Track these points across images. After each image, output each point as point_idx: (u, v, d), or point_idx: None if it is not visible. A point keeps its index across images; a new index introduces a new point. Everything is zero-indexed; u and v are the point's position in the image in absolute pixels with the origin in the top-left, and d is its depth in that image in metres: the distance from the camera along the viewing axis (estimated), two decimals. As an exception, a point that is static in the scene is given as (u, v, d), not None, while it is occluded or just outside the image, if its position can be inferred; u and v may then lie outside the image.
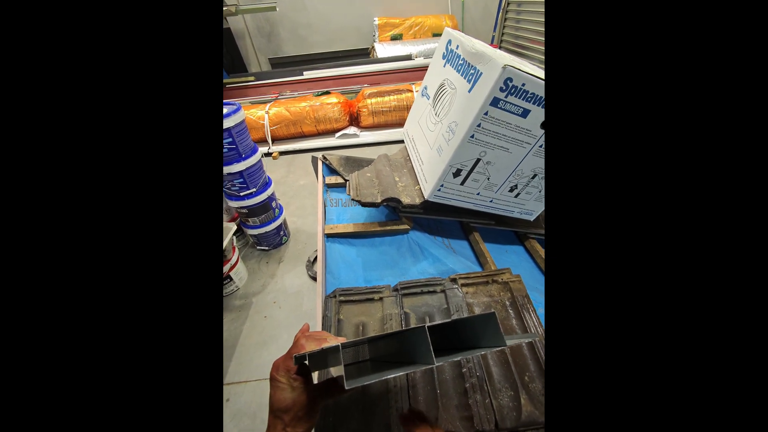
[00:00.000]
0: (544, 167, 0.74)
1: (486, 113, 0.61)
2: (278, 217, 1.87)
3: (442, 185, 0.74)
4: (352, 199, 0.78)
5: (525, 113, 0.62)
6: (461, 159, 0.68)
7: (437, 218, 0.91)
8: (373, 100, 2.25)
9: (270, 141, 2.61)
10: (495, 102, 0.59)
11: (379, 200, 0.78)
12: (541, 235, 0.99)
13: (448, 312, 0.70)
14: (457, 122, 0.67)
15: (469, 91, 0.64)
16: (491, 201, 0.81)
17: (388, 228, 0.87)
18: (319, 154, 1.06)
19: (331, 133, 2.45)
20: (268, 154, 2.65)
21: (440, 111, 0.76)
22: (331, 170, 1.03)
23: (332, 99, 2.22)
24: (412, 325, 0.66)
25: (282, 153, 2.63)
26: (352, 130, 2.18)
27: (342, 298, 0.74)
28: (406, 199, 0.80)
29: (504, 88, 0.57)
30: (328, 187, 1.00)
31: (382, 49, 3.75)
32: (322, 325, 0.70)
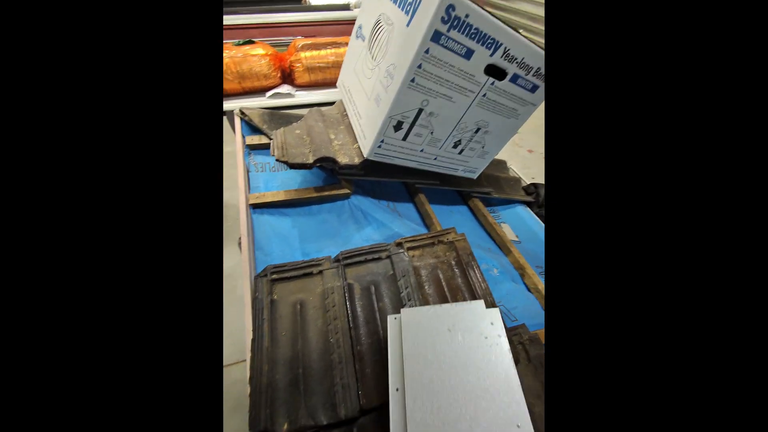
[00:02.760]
0: (487, 120, 0.70)
1: (427, 51, 0.52)
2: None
3: (382, 141, 0.66)
4: (278, 161, 0.65)
5: (468, 54, 0.55)
6: (402, 108, 0.60)
7: (380, 180, 0.84)
8: (308, 54, 1.98)
9: (184, 101, 2.14)
10: (437, 37, 0.51)
11: (311, 161, 0.66)
12: (484, 194, 1.00)
13: (394, 278, 0.65)
14: (395, 64, 0.58)
15: (408, 25, 0.54)
16: (435, 158, 0.76)
17: (326, 193, 0.77)
18: (236, 108, 0.87)
19: (260, 92, 2.10)
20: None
21: (377, 53, 0.65)
22: (253, 128, 0.87)
23: (258, 50, 1.89)
24: (356, 297, 0.58)
25: (202, 116, 2.20)
26: (285, 88, 1.92)
27: (275, 276, 0.64)
28: (343, 159, 0.70)
29: (446, 18, 0.49)
30: (251, 148, 0.84)
31: (316, -4, 3.28)
32: (253, 308, 0.60)
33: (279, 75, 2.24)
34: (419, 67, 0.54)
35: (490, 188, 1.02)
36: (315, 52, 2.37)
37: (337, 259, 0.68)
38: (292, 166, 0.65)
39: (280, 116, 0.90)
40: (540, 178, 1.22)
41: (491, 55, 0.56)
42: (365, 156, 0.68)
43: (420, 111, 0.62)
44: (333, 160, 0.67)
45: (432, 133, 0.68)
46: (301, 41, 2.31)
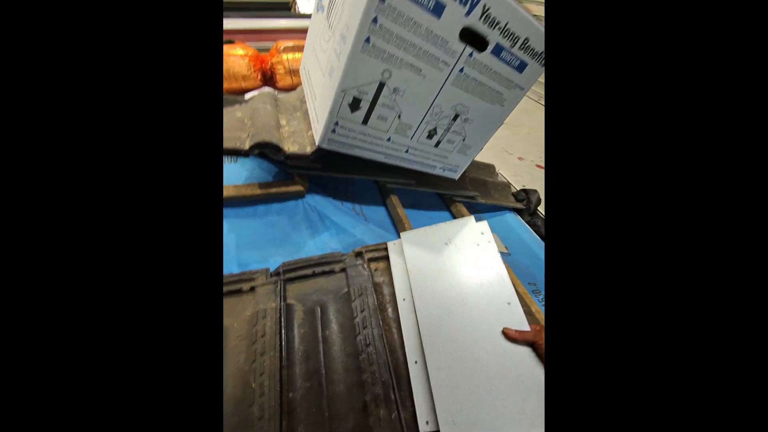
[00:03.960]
0: (466, 104, 0.58)
1: (383, 0, 0.40)
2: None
3: (337, 124, 0.53)
4: None
5: (438, 9, 0.43)
6: (357, 79, 0.48)
7: (345, 178, 0.71)
8: (291, 56, 1.87)
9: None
10: (395, -17, 0.39)
11: (246, 146, 0.53)
12: (469, 198, 0.87)
13: (348, 298, 0.51)
14: (348, 24, 0.46)
15: (362, -27, 0.43)
16: (407, 151, 0.63)
17: (274, 191, 0.63)
18: None
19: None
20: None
21: (333, 20, 0.54)
22: None
23: (237, 50, 1.79)
24: (296, 323, 0.48)
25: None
26: (267, 90, 1.79)
27: (191, 293, 0.49)
28: (291, 147, 0.56)
29: (405, -46, 0.37)
30: None
31: (307, 4, 3.26)
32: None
33: (259, 77, 2.13)
34: (374, 22, 0.42)
35: (475, 192, 0.90)
36: (298, 54, 2.29)
37: (277, 272, 0.53)
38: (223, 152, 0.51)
39: (225, 101, 0.77)
40: (531, 187, 1.11)
41: (467, 14, 0.45)
42: (317, 143, 0.55)
43: (381, 85, 0.49)
44: (276, 147, 0.54)
45: (399, 117, 0.56)
46: (283, 43, 2.22)
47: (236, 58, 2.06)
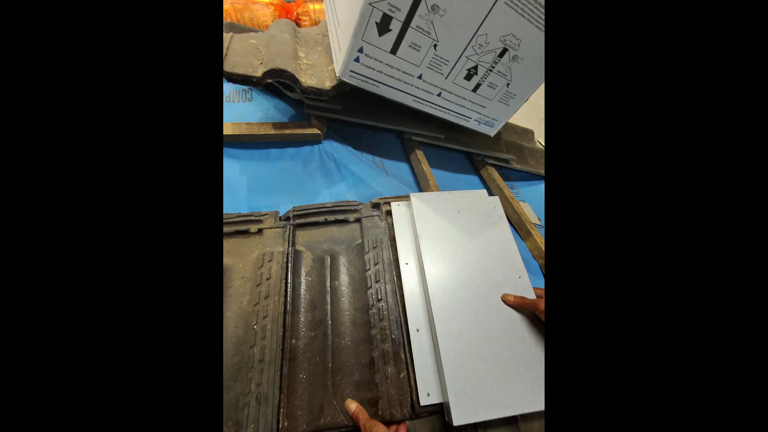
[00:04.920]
0: (519, 35, 0.48)
1: None
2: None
3: (361, 50, 0.45)
4: None
5: None
6: (390, -9, 0.39)
7: (364, 124, 0.64)
8: (317, 6, 1.75)
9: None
10: None
11: (259, 73, 0.47)
12: (502, 161, 0.78)
13: (361, 249, 0.46)
14: None
15: None
16: (439, 94, 0.55)
17: (289, 132, 0.58)
18: None
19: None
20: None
21: None
22: None
23: (261, -3, 1.67)
24: (304, 270, 0.45)
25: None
26: (285, 20, 1.69)
27: (197, 229, 0.46)
28: (308, 80, 0.50)
29: None
30: None
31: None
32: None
33: (284, 29, 2.04)
34: None
35: (510, 155, 0.80)
36: (326, 7, 2.14)
37: (286, 217, 0.49)
38: (230, 77, 0.46)
39: (240, 29, 0.70)
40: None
41: None
42: (337, 74, 0.48)
43: (418, -1, 0.40)
44: (292, 77, 0.48)
45: (435, 47, 0.47)
46: (311, -9, 2.09)
47: (260, 6, 1.95)
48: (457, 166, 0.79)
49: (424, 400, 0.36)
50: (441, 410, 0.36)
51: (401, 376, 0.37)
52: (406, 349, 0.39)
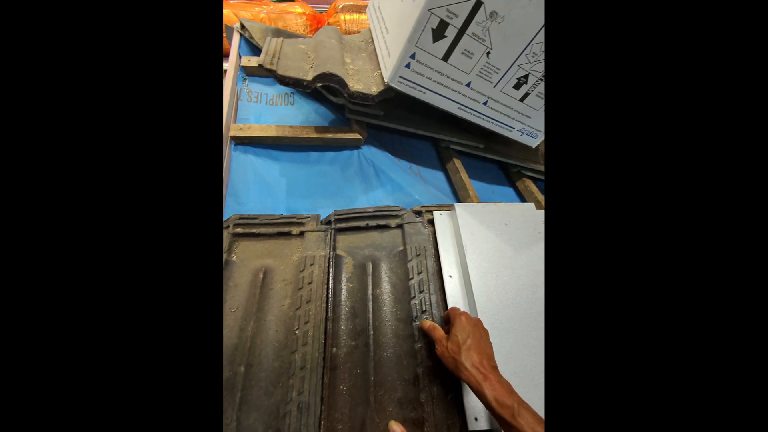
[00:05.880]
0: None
1: None
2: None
3: (413, 57, 0.45)
4: (265, 68, 0.47)
5: None
6: (449, -3, 0.39)
7: (404, 131, 0.63)
8: (348, 17, 1.80)
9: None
10: None
11: (309, 77, 0.47)
12: (541, 174, 0.75)
13: (403, 257, 0.45)
14: None
15: None
16: (486, 102, 0.54)
17: (330, 136, 0.58)
18: (236, 24, 0.71)
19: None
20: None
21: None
22: (254, 48, 0.69)
23: (296, 8, 1.75)
24: (345, 276, 0.44)
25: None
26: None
27: (239, 229, 0.46)
28: (355, 85, 0.50)
29: None
30: (246, 72, 0.67)
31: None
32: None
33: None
34: None
35: (548, 169, 0.78)
36: (356, 15, 2.18)
37: (328, 221, 0.49)
38: (282, 79, 0.46)
39: (288, 35, 0.72)
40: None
41: None
42: (386, 80, 0.48)
43: (478, 5, 0.40)
44: (341, 81, 0.48)
45: (489, 54, 0.46)
46: (342, 2, 2.14)
47: (294, 16, 2.03)
48: (492, 177, 0.77)
49: (471, 425, 0.33)
50: (491, 437, 0.33)
51: (449, 397, 0.35)
52: (453, 367, 0.37)
